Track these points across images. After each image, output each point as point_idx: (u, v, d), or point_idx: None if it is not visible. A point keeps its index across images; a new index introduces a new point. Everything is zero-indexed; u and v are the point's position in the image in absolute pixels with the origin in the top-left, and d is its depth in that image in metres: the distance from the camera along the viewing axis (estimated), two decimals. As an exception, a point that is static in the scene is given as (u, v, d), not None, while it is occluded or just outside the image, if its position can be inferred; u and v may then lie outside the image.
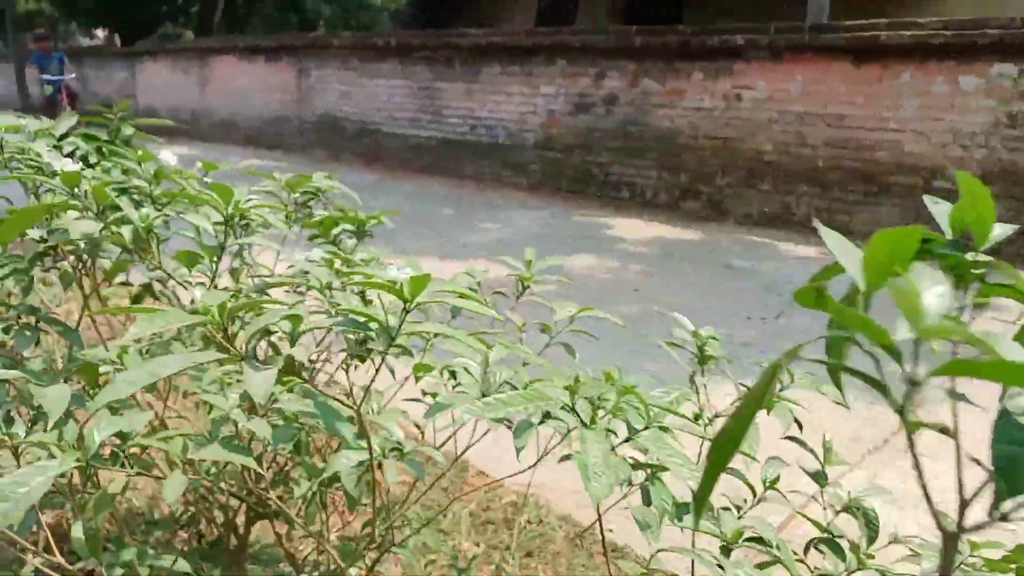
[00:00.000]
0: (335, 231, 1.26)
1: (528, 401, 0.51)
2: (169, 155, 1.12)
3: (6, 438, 0.73)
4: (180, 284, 1.09)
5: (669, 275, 5.33)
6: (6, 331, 1.09)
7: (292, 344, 0.66)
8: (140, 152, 1.16)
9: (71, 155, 1.26)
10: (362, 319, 0.62)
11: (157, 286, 1.40)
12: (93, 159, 1.33)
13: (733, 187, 7.38)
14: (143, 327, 0.54)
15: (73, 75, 12.66)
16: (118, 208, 0.93)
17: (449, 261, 5.51)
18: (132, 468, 0.73)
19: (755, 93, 7.08)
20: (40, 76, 12.10)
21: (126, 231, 0.92)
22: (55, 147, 1.25)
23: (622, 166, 8.13)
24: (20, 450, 0.74)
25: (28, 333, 1.06)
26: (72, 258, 1.15)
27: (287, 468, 1.22)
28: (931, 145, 6.14)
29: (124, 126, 1.42)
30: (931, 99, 6.08)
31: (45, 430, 0.70)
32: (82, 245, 1.06)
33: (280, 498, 1.16)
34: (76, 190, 0.91)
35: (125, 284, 1.52)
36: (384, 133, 10.56)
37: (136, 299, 1.40)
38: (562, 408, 0.51)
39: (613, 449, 0.53)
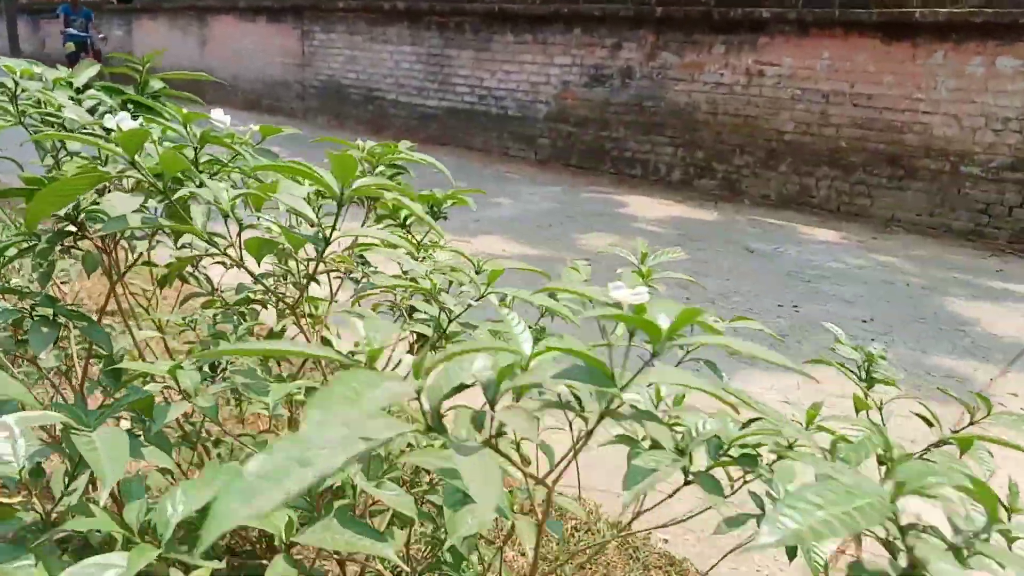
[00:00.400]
0: (404, 212, 1.08)
1: (848, 500, 0.33)
2: (221, 114, 0.93)
3: (35, 502, 0.53)
4: (249, 273, 0.89)
5: (690, 258, 5.14)
6: (17, 323, 0.89)
7: (492, 403, 0.45)
8: (184, 111, 0.96)
9: (92, 111, 1.06)
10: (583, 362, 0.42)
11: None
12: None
13: (751, 167, 7.17)
14: (327, 407, 0.34)
15: (101, 36, 11.67)
16: (183, 182, 0.73)
17: (462, 237, 5.31)
18: (221, 560, 0.55)
19: (779, 69, 6.84)
20: (63, 31, 11.23)
21: (198, 214, 0.72)
22: (74, 100, 1.05)
23: (636, 142, 7.90)
24: (54, 514, 0.55)
25: (45, 329, 0.86)
26: (96, 237, 0.96)
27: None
28: (962, 129, 5.94)
29: (153, 79, 1.21)
30: (965, 80, 5.87)
31: (91, 485, 0.52)
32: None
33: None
34: (136, 157, 0.71)
35: (147, 263, 1.32)
36: (390, 101, 10.27)
37: (162, 282, 1.21)
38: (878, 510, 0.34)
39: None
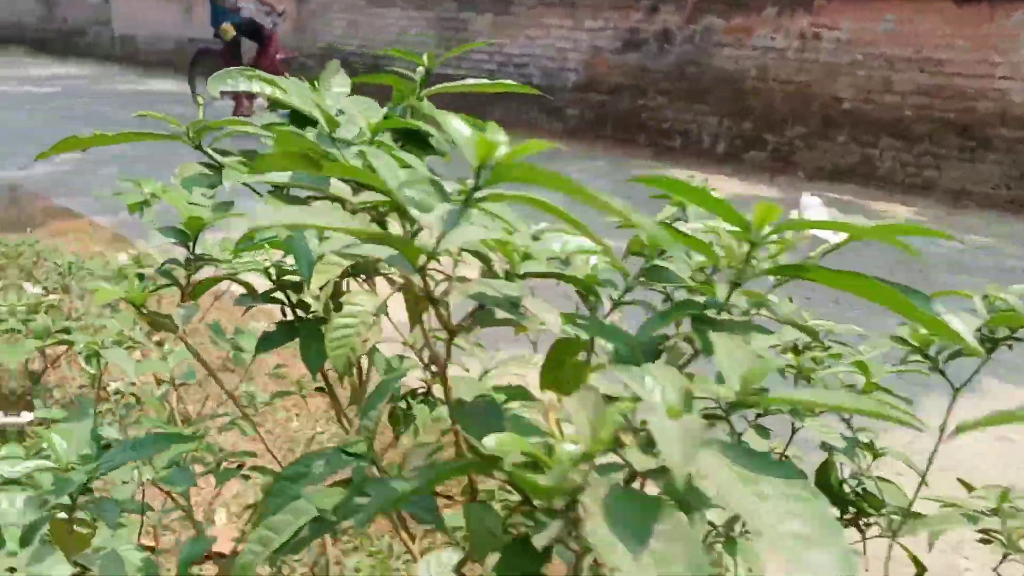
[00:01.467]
0: None
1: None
2: (811, 200, 0.53)
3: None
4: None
5: (776, 243, 4.78)
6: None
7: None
8: (700, 186, 0.53)
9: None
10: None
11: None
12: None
13: (805, 137, 6.78)
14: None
15: (281, 9, 7.76)
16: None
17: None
18: None
19: (837, 33, 6.41)
20: (229, 3, 7.64)
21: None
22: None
23: (677, 111, 7.45)
24: None
25: None
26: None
27: None
28: (1043, 95, 5.60)
29: (421, 105, 0.79)
30: (1048, 43, 5.51)
31: None
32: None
33: None
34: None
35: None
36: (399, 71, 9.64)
37: (395, 421, 0.78)
38: None
39: None
